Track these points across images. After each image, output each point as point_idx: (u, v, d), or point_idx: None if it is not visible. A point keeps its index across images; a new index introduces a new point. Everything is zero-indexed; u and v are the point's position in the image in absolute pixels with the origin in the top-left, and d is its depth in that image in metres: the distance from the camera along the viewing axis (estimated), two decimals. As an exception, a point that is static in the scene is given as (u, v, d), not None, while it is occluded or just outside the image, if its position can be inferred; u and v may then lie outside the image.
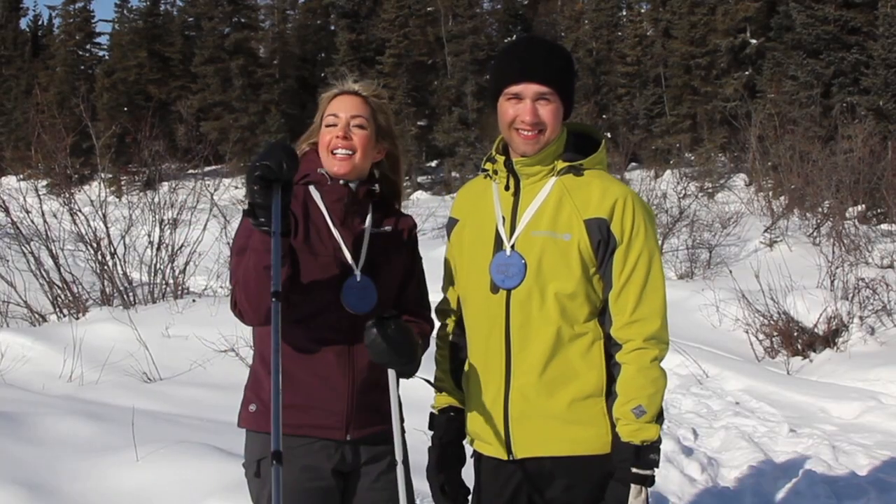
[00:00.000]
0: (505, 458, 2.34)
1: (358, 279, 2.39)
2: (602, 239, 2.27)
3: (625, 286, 2.27)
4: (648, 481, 2.22)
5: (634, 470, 2.21)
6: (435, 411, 2.57)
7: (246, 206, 2.16)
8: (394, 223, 2.54)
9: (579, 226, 2.28)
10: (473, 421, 2.43)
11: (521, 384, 2.31)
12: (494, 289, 2.33)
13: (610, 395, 2.29)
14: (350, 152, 2.41)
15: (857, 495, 4.53)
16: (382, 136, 2.50)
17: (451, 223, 2.53)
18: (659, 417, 2.26)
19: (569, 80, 2.36)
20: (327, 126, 2.44)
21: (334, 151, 2.41)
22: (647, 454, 2.22)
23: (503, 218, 2.37)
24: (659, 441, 2.26)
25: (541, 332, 2.28)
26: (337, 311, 2.37)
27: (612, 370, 2.29)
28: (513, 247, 2.32)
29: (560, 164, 2.34)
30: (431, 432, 2.56)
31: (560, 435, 2.29)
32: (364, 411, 2.41)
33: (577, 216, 2.28)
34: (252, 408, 2.42)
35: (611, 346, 2.30)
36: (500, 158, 2.40)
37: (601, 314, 2.33)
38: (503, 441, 2.34)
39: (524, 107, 2.29)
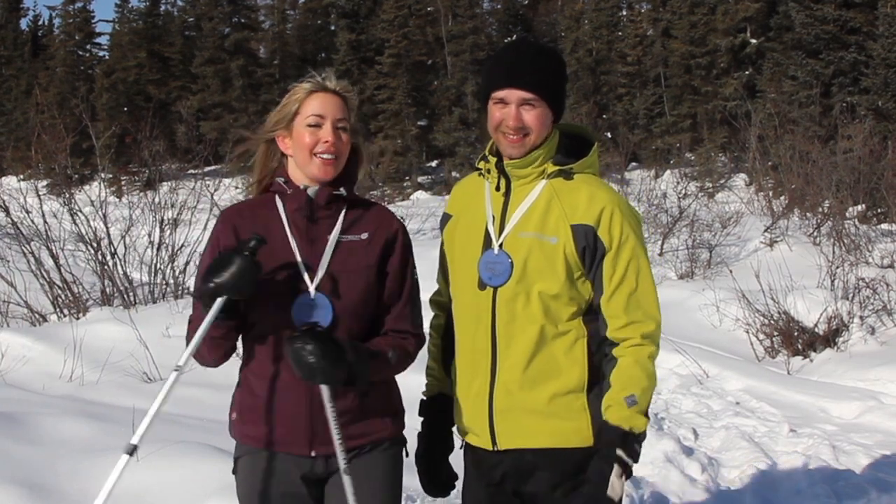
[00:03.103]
0: (490, 448, 2.42)
1: (311, 296, 2.25)
2: (588, 245, 2.32)
3: (616, 291, 2.33)
4: (629, 470, 2.27)
5: (619, 452, 2.25)
6: (425, 398, 2.64)
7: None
8: (373, 229, 2.36)
9: (566, 230, 2.33)
10: (460, 412, 2.49)
11: (505, 379, 2.38)
12: (482, 286, 2.39)
13: (591, 391, 2.35)
14: (335, 157, 2.31)
15: (857, 495, 4.53)
16: (353, 135, 2.39)
17: (445, 218, 2.59)
18: (646, 413, 2.31)
19: (556, 85, 2.39)
20: (309, 126, 2.30)
21: (320, 154, 2.30)
22: (633, 443, 2.27)
23: (493, 217, 2.42)
24: (644, 436, 2.31)
25: (525, 330, 2.34)
26: (291, 328, 2.24)
27: (595, 367, 2.35)
28: (501, 246, 2.38)
29: (550, 168, 2.39)
30: (421, 418, 2.62)
31: (540, 428, 2.36)
32: (329, 429, 2.26)
33: (565, 220, 2.34)
34: (234, 415, 2.43)
35: (605, 346, 2.35)
36: (493, 160, 2.45)
37: (586, 314, 2.38)
38: (488, 433, 2.41)
39: (509, 112, 2.34)
